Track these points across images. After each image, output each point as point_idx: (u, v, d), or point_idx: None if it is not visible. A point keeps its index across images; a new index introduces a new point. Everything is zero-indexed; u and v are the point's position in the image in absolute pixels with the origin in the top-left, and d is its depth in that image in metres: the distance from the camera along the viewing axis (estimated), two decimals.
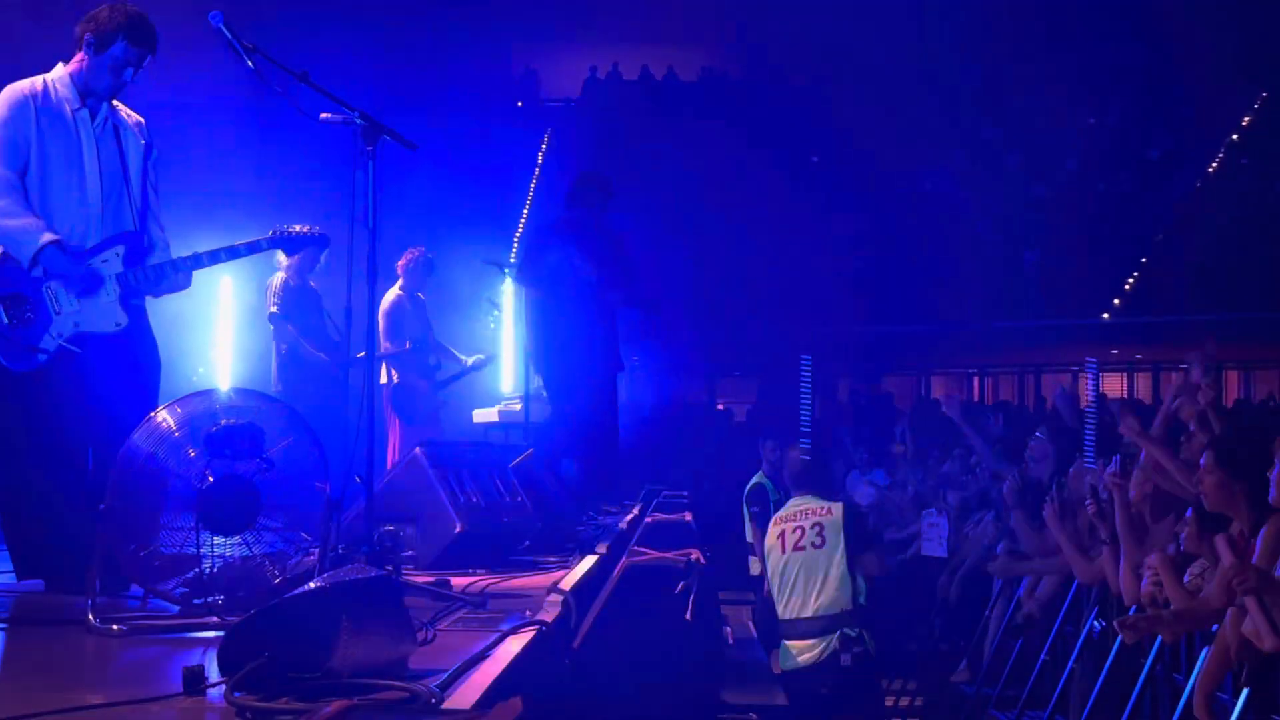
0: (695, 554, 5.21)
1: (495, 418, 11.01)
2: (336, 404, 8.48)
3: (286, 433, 4.06)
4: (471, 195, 16.27)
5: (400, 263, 9.71)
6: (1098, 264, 21.62)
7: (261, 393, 4.54)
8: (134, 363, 4.96)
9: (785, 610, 7.38)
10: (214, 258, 4.99)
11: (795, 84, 24.50)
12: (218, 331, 11.70)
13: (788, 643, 7.36)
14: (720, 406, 23.11)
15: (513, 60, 27.80)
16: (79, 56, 4.93)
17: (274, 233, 5.11)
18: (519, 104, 27.62)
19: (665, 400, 22.09)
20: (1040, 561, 8.26)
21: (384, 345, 9.36)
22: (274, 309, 8.90)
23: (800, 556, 7.28)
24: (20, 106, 4.78)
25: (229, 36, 4.64)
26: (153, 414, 4.03)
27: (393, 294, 9.54)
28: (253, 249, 5.07)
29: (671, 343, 21.80)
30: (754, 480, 10.89)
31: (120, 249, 4.86)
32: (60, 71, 4.87)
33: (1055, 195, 23.23)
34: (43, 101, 4.79)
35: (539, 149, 24.57)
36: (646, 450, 16.55)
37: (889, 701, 9.55)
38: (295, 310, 8.94)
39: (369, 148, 4.64)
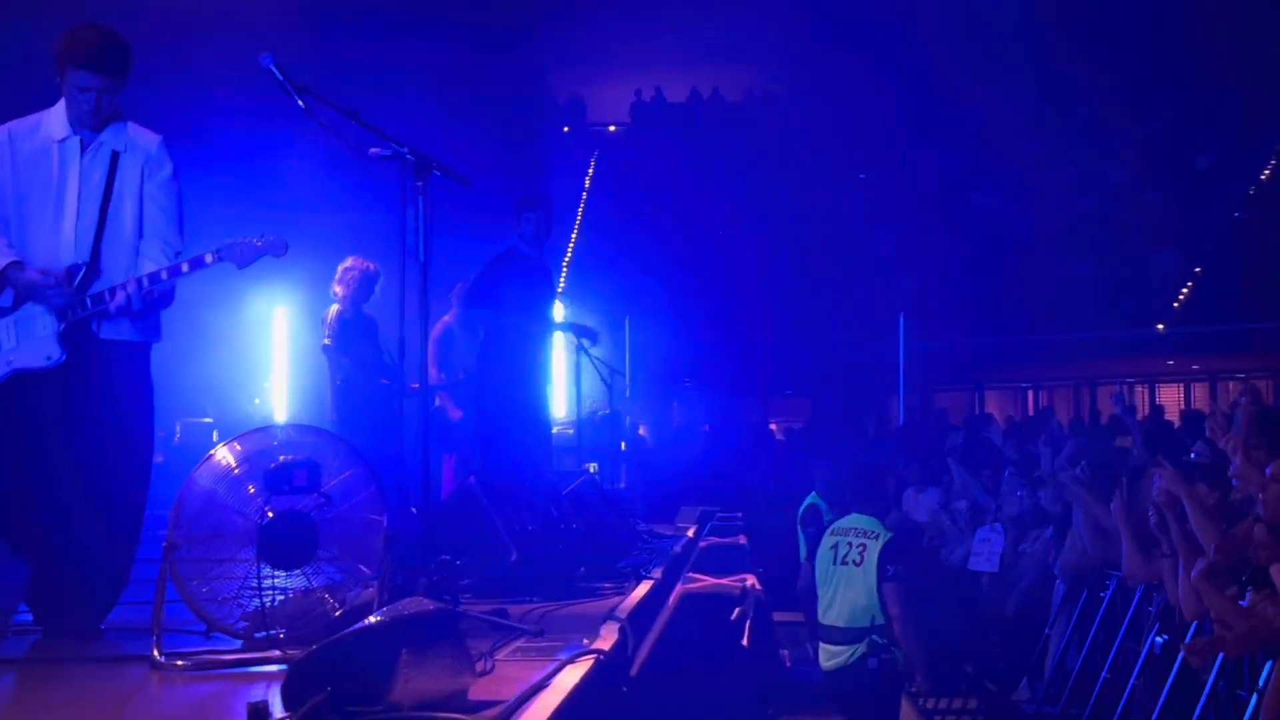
0: (751, 580, 5.22)
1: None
2: (392, 435, 8.50)
3: (344, 467, 4.12)
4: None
5: (455, 292, 9.68)
6: (1150, 275, 21.45)
7: (318, 428, 4.60)
8: (76, 400, 4.66)
9: (824, 616, 8.06)
10: (154, 279, 4.64)
11: (842, 102, 24.47)
12: (274, 362, 11.85)
13: (823, 645, 8.07)
14: (773, 427, 23.08)
15: (558, 86, 27.94)
16: None
17: (221, 248, 4.68)
18: (565, 129, 27.74)
19: (719, 422, 22.10)
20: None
21: (433, 375, 9.37)
22: (327, 341, 8.91)
23: (844, 570, 7.93)
24: None
25: (279, 77, 4.71)
26: (212, 451, 4.10)
27: (444, 323, 9.54)
28: (196, 265, 4.65)
29: (723, 364, 21.84)
30: (808, 500, 10.87)
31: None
32: (60, 103, 4.78)
33: (1104, 207, 23.07)
34: (22, 137, 4.72)
35: (586, 174, 24.67)
36: (701, 473, 16.57)
37: None
38: (350, 341, 8.97)
39: (419, 182, 4.71)
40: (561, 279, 19.09)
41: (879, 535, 7.95)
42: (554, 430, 11.32)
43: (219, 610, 4.10)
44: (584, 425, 10.39)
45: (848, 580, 7.91)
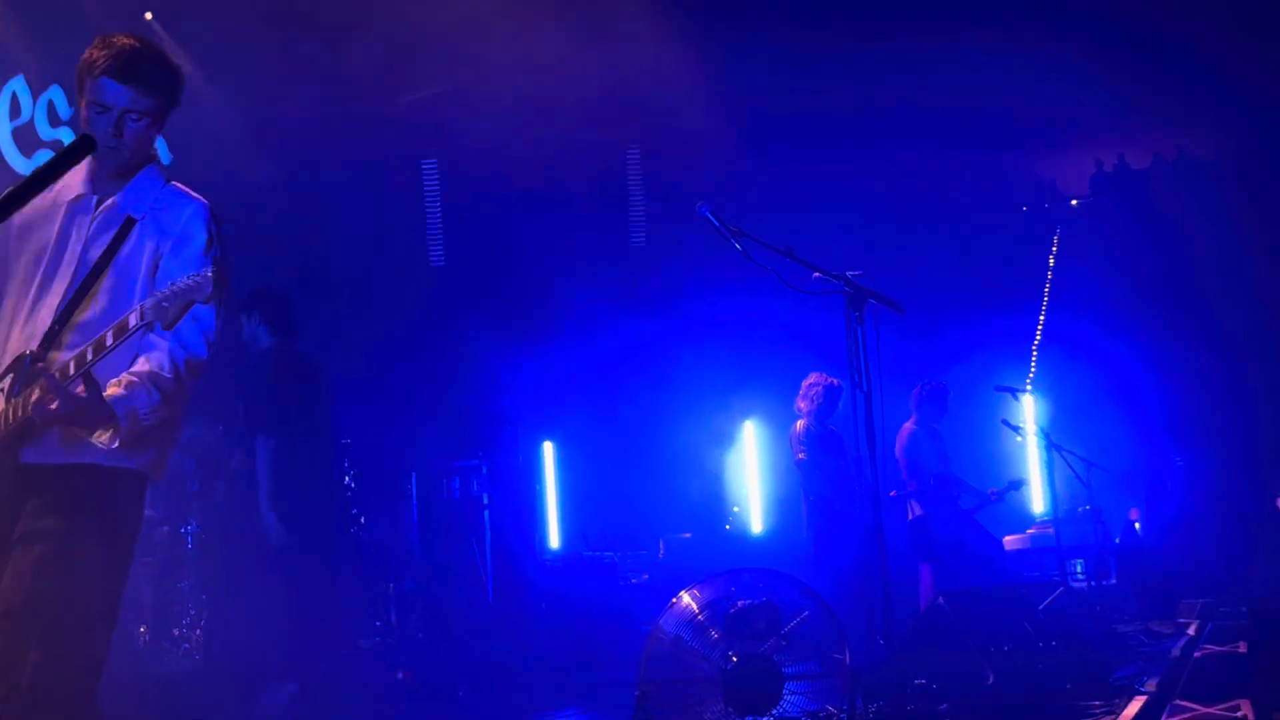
0: (1245, 710, 4.83)
1: (1027, 544, 10.70)
2: (868, 549, 8.44)
3: (801, 607, 4.16)
4: (981, 312, 15.98)
5: (914, 396, 9.63)
6: None
7: (773, 570, 4.66)
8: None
9: None
10: (80, 362, 3.24)
11: None
12: (746, 476, 12.12)
13: None
14: None
15: (1014, 166, 27.34)
16: None
17: (143, 305, 3.15)
18: (1024, 209, 27.11)
19: (1220, 499, 20.66)
20: None
21: (907, 483, 9.30)
22: (801, 455, 9.00)
23: None
24: None
25: (716, 224, 4.90)
26: (676, 598, 4.23)
27: (908, 429, 9.46)
28: (119, 333, 3.20)
29: (1219, 433, 20.48)
30: None
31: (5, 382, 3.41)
32: (88, 159, 3.62)
33: None
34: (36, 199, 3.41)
35: (1049, 253, 24.01)
36: (1206, 558, 15.50)
37: None
38: (820, 454, 9.02)
39: (856, 312, 4.74)
40: (1032, 363, 18.54)
41: None
42: (1032, 530, 10.96)
43: None
44: (1063, 524, 9.97)
45: None
